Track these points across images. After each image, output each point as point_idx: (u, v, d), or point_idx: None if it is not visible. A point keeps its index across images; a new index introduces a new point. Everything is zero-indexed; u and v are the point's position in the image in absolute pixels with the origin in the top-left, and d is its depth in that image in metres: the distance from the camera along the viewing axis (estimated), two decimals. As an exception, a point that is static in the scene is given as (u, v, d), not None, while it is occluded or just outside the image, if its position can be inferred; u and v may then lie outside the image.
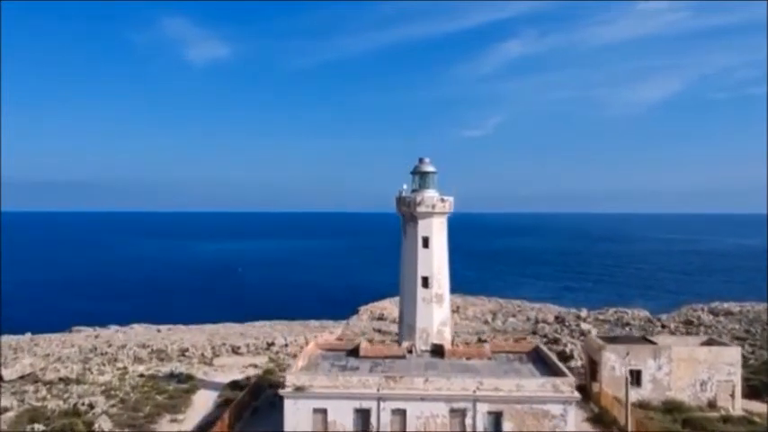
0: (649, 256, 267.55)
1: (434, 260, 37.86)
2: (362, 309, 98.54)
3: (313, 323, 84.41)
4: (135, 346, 59.28)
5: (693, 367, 37.98)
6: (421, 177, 38.90)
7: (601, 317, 78.63)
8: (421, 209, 37.47)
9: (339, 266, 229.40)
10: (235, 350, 59.37)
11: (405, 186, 38.91)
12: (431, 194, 38.01)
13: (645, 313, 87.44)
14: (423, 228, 37.84)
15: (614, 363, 38.01)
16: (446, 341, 37.60)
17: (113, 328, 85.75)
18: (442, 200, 37.77)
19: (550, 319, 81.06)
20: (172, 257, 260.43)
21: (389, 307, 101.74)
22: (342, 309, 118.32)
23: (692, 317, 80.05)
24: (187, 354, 57.78)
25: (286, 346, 62.57)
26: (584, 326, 66.63)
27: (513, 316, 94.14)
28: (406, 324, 38.34)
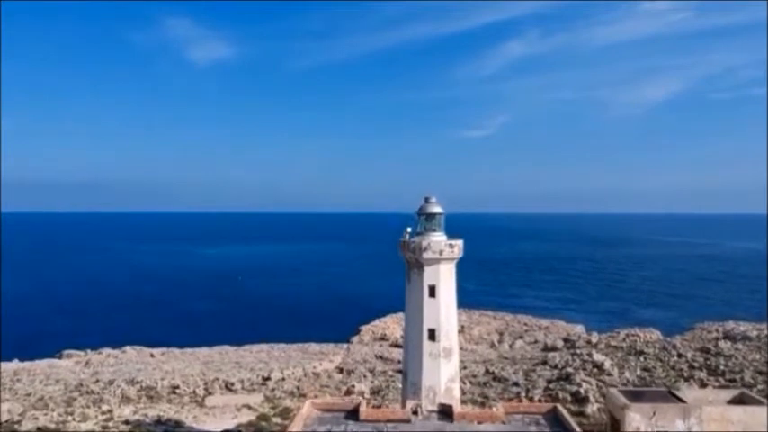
0: (655, 262, 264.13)
1: (442, 311, 34.48)
2: (364, 328, 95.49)
3: (313, 347, 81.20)
4: (123, 383, 56.07)
5: (726, 429, 34.58)
6: (427, 219, 35.48)
7: (613, 342, 75.29)
8: (427, 255, 34.07)
9: (340, 274, 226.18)
10: (228, 386, 56.15)
11: (408, 229, 35.54)
12: (438, 239, 34.61)
13: (657, 335, 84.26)
14: (429, 275, 34.46)
15: (639, 423, 34.55)
16: (455, 400, 34.25)
17: (105, 351, 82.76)
18: (451, 245, 34.40)
19: (560, 344, 77.73)
20: (172, 264, 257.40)
21: (391, 326, 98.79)
22: (343, 323, 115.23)
23: (708, 341, 76.74)
24: (178, 391, 54.60)
25: (283, 380, 59.40)
26: (597, 356, 63.24)
27: (521, 337, 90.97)
28: (411, 381, 34.99)
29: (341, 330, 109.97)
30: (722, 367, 59.81)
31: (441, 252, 34.41)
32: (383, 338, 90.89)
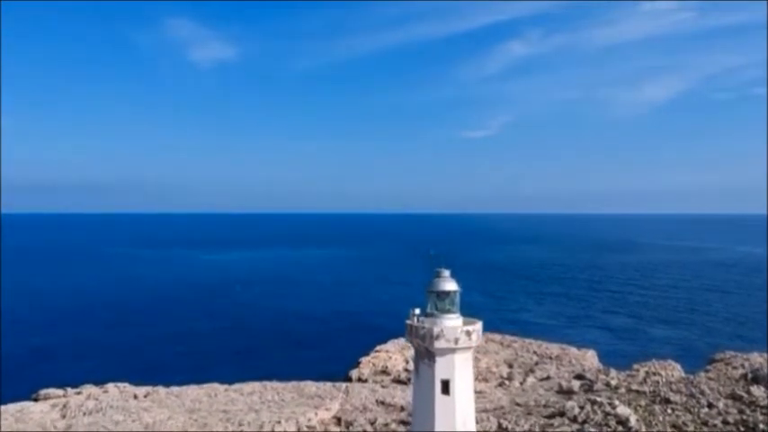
0: (663, 270, 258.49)
1: (457, 411, 28.53)
2: (364, 360, 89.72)
3: (309, 387, 75.34)
4: (95, 446, 50.36)
5: None
6: (439, 297, 29.59)
7: (633, 386, 69.33)
8: (440, 344, 28.16)
9: (340, 280, 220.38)
10: (213, 451, 50.45)
11: (417, 310, 29.64)
12: (453, 323, 28.68)
13: (678, 371, 78.57)
14: (442, 368, 28.54)
15: None
16: None
17: (86, 390, 77.02)
18: (468, 332, 28.50)
19: (575, 384, 71.92)
20: (169, 272, 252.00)
21: (393, 355, 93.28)
22: (345, 348, 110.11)
23: (736, 381, 70.81)
24: (156, 457, 48.89)
25: (274, 439, 53.74)
26: (621, 409, 57.35)
27: (531, 370, 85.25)
28: (421, 493, 29.20)
29: (340, 353, 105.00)
30: (762, 426, 53.97)
31: (456, 341, 28.56)
32: (384, 372, 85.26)
